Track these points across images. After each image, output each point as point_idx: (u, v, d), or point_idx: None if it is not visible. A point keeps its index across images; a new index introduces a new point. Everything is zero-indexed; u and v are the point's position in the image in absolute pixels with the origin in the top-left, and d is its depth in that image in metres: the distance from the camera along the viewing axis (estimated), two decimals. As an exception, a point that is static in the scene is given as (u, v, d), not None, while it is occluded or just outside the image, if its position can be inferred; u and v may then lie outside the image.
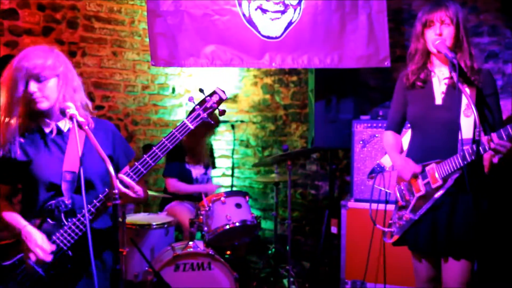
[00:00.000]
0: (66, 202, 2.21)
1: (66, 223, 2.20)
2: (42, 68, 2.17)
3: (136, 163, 2.22)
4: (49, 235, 2.18)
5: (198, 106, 2.26)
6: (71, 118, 2.07)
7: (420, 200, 2.60)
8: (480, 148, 2.37)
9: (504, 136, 2.30)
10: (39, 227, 2.20)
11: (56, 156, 2.24)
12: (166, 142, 2.21)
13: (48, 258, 2.14)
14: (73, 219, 2.19)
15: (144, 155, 2.22)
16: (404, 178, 2.66)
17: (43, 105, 2.19)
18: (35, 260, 2.14)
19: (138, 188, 2.21)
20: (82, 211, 2.17)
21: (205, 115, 2.26)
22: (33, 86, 2.17)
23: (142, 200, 2.35)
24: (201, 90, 2.32)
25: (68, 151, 2.25)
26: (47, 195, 2.22)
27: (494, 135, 2.33)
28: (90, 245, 1.87)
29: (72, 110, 2.11)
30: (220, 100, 2.27)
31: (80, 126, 2.04)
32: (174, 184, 4.48)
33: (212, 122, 2.33)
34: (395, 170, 2.75)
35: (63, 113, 2.12)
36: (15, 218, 2.23)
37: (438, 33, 2.53)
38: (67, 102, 2.16)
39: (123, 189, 2.15)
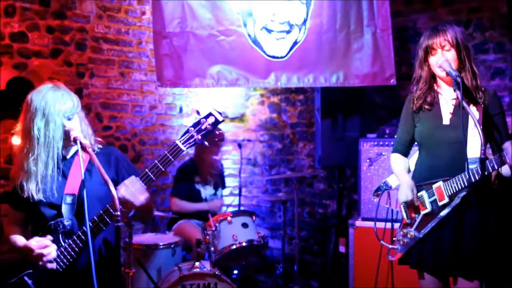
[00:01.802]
0: (65, 223, 2.27)
1: (63, 244, 2.25)
2: (73, 107, 2.30)
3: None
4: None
5: (192, 128, 2.20)
6: (74, 140, 2.10)
7: (425, 218, 2.60)
8: (489, 166, 2.40)
9: None
10: None
11: (58, 180, 2.32)
12: (158, 164, 2.20)
13: (53, 251, 2.22)
14: (69, 240, 2.25)
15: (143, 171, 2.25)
16: (399, 200, 2.68)
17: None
18: (46, 260, 2.22)
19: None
20: (78, 232, 2.24)
21: (199, 137, 2.19)
22: (69, 125, 2.26)
23: (146, 210, 2.33)
24: (197, 112, 2.24)
25: (70, 175, 2.31)
26: (49, 217, 2.30)
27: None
28: (92, 261, 1.87)
29: (75, 132, 2.13)
30: (216, 122, 2.20)
31: (83, 148, 2.06)
32: (177, 203, 4.50)
33: (207, 144, 2.25)
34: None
35: (67, 134, 2.14)
36: (17, 239, 2.33)
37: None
38: (72, 125, 2.19)
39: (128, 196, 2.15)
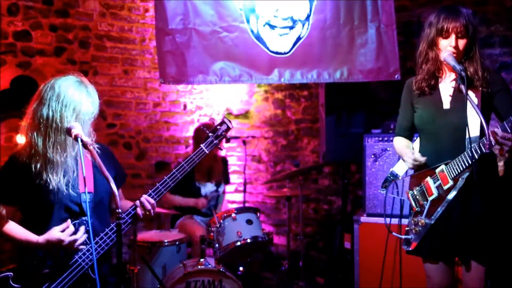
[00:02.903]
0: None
1: (88, 242, 2.25)
2: (95, 110, 2.39)
3: (157, 183, 2.46)
4: (67, 254, 2.25)
5: (211, 134, 2.61)
6: (76, 137, 2.10)
7: (434, 203, 2.58)
8: (486, 143, 2.31)
9: (508, 129, 2.26)
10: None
11: (72, 178, 2.30)
12: (184, 164, 2.52)
13: (83, 237, 2.24)
14: (96, 238, 2.26)
15: (165, 177, 2.48)
16: (407, 165, 2.68)
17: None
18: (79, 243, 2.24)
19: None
20: (105, 230, 2.28)
21: (217, 141, 2.62)
22: None
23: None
24: (211, 120, 2.87)
25: (80, 172, 2.28)
26: (64, 216, 2.27)
27: (497, 129, 2.29)
28: (95, 263, 1.87)
29: (77, 130, 2.13)
30: (228, 129, 2.64)
31: (85, 145, 2.07)
32: (166, 200, 4.47)
33: (222, 148, 2.69)
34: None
35: (68, 132, 2.14)
36: (25, 234, 2.28)
37: (453, 45, 2.52)
38: (73, 123, 2.19)
39: (147, 207, 2.36)
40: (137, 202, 2.36)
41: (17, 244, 2.35)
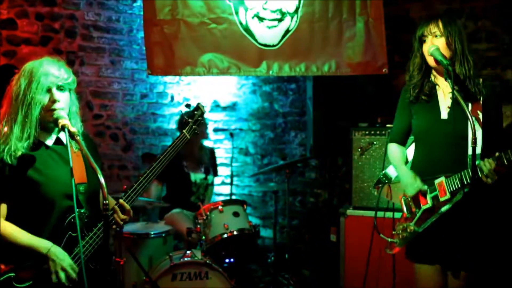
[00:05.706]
0: (85, 214, 2.22)
1: (87, 233, 2.20)
2: (68, 78, 2.23)
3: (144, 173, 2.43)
4: (70, 248, 2.18)
5: (190, 119, 2.65)
6: (63, 127, 2.07)
7: (425, 213, 2.57)
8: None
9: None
10: (62, 242, 2.17)
11: (64, 169, 2.18)
12: (169, 149, 2.51)
13: (75, 275, 2.14)
14: (94, 230, 2.21)
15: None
16: (408, 194, 2.65)
17: (62, 114, 2.17)
18: (64, 277, 2.11)
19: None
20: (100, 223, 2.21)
21: (195, 126, 2.66)
22: (57, 95, 2.19)
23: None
24: (187, 105, 2.81)
25: (74, 163, 2.14)
26: (62, 209, 2.17)
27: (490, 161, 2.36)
28: (82, 260, 1.86)
29: (64, 120, 2.10)
30: (202, 113, 2.70)
31: (72, 136, 2.04)
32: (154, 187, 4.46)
33: (198, 133, 2.72)
34: (401, 183, 2.71)
35: (55, 122, 2.12)
36: (35, 239, 2.12)
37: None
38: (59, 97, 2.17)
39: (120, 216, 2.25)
40: (116, 207, 2.24)
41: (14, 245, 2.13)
